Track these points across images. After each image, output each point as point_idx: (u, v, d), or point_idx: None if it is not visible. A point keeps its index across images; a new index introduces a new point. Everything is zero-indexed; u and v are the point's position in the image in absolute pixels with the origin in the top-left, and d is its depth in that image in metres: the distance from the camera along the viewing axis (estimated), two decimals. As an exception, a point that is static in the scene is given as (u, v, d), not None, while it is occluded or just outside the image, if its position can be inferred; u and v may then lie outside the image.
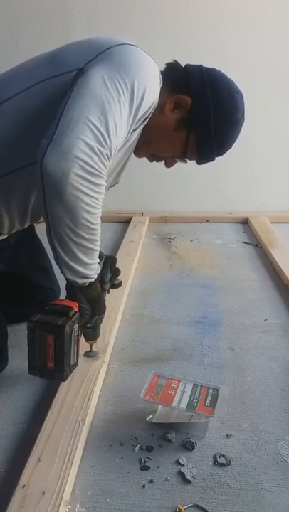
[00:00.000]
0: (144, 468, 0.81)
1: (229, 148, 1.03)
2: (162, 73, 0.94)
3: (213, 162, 1.06)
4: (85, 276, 0.89)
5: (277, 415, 0.94)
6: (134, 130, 0.87)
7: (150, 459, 0.83)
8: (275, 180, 2.37)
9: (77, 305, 0.92)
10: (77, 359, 0.92)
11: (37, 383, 1.06)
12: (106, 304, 1.02)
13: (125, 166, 1.03)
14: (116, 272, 1.06)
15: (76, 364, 0.93)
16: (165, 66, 0.97)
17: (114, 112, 0.78)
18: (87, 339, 1.07)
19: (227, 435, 0.89)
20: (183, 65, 0.99)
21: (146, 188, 2.42)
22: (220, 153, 1.03)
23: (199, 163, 1.05)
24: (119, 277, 1.09)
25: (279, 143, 2.29)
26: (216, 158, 1.06)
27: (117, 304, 1.35)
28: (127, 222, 2.27)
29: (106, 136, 0.76)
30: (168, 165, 1.06)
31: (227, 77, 0.98)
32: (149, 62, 0.86)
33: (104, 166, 0.78)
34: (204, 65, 0.99)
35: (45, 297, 1.22)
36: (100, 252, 1.03)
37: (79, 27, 2.04)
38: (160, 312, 1.40)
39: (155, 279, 1.63)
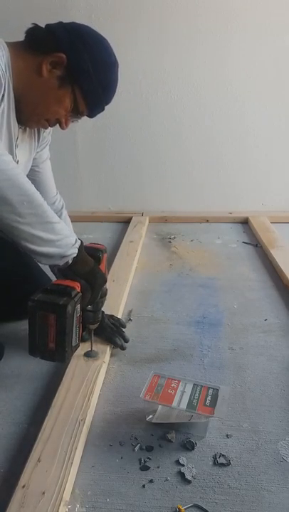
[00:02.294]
0: (144, 468, 0.81)
1: (114, 93, 1.03)
2: (25, 40, 0.94)
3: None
4: (62, 255, 0.88)
5: (277, 415, 0.94)
6: None
7: (150, 459, 0.83)
8: (275, 180, 2.37)
9: (79, 285, 0.90)
10: (78, 340, 0.90)
11: (37, 383, 1.06)
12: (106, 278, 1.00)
13: (13, 133, 1.00)
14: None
15: (78, 346, 0.91)
16: (25, 34, 0.96)
17: None
18: (87, 323, 1.05)
19: (227, 435, 0.89)
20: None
21: (147, 188, 2.42)
22: (107, 100, 1.03)
23: (91, 115, 1.04)
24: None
25: (279, 143, 2.29)
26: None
27: (117, 304, 1.35)
28: (127, 222, 2.27)
29: None
30: (64, 126, 1.04)
31: (88, 26, 0.98)
32: None
33: None
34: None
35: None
36: (98, 248, 1.01)
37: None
38: (160, 312, 1.40)
39: (155, 279, 1.63)
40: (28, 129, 1.07)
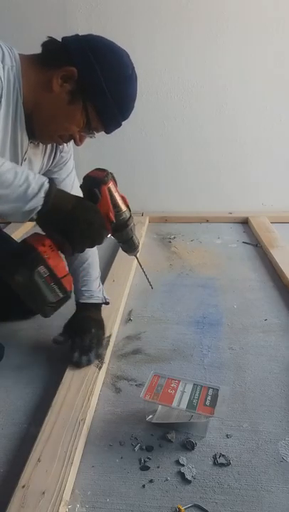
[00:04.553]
0: (144, 468, 0.81)
1: (131, 109, 0.99)
2: (40, 54, 0.92)
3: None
4: (21, 210, 0.76)
5: (277, 415, 0.94)
6: None
7: (150, 459, 0.83)
8: (275, 180, 2.37)
9: (46, 243, 0.83)
10: (62, 294, 0.86)
11: (37, 383, 1.06)
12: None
13: (20, 147, 0.96)
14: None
15: (63, 298, 0.87)
16: (41, 46, 0.93)
17: None
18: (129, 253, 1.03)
19: (227, 435, 0.89)
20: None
21: (146, 188, 2.42)
22: (124, 115, 0.98)
23: (107, 131, 1.01)
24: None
25: (279, 143, 2.29)
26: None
27: (117, 303, 1.35)
28: (127, 222, 2.27)
29: None
30: (78, 142, 1.01)
31: (105, 39, 0.94)
32: None
33: None
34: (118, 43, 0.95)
35: None
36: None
37: (79, 27, 2.04)
38: (160, 312, 1.40)
39: (155, 279, 1.63)
40: (41, 145, 1.04)
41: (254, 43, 2.10)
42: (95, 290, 1.20)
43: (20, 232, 2.07)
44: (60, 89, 0.90)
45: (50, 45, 0.92)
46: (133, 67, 0.95)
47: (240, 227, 2.24)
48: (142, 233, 2.05)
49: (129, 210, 0.94)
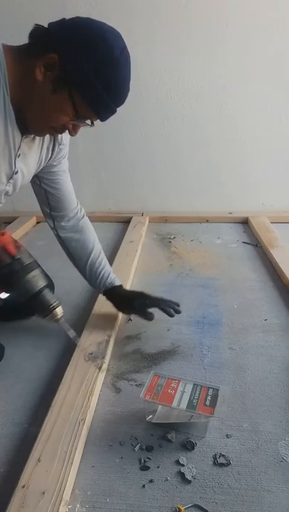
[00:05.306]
0: (144, 468, 0.81)
1: (124, 93, 0.94)
2: (26, 43, 0.89)
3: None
4: None
5: (277, 415, 0.94)
6: None
7: (150, 459, 0.83)
8: (275, 180, 2.37)
9: None
10: None
11: (37, 383, 1.06)
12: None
13: (12, 143, 0.95)
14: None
15: None
16: (28, 35, 0.89)
17: None
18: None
19: (227, 435, 0.89)
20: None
21: (147, 188, 2.42)
22: (115, 101, 0.93)
23: (101, 118, 0.96)
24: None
25: (279, 143, 2.29)
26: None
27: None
28: (127, 222, 2.27)
29: None
30: (72, 132, 0.97)
31: (93, 21, 0.89)
32: None
33: None
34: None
35: None
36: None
37: (79, 27, 2.04)
38: (160, 312, 1.39)
39: (155, 279, 1.63)
40: (37, 138, 1.02)
41: (254, 43, 2.09)
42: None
43: (22, 230, 2.07)
44: (44, 78, 0.86)
45: (33, 34, 0.89)
46: (122, 48, 0.89)
47: (240, 227, 2.24)
48: (142, 233, 2.05)
49: (21, 262, 0.83)
